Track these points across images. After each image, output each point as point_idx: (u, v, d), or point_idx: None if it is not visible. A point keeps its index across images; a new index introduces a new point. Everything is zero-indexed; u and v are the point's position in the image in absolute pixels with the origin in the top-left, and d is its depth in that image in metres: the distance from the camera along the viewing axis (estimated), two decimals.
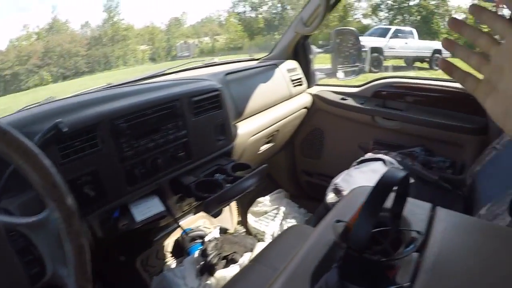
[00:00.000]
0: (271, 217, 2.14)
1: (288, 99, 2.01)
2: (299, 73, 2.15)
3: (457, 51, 0.44)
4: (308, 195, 2.45)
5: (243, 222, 2.24)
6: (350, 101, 2.14)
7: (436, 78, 2.16)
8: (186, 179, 1.32)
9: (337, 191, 1.52)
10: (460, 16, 16.61)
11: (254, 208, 2.19)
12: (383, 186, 0.61)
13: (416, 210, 0.87)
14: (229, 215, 2.17)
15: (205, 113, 1.37)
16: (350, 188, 1.26)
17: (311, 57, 2.27)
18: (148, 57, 18.03)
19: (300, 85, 2.13)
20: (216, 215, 1.30)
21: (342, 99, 2.16)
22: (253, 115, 1.72)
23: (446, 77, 0.49)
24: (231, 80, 1.63)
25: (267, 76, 1.89)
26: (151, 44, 18.63)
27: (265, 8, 21.05)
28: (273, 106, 1.89)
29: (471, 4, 0.42)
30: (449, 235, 0.77)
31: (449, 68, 0.46)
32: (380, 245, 0.69)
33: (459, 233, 0.79)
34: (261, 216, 2.17)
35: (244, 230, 2.20)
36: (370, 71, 11.76)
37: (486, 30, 0.43)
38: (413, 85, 2.07)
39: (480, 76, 0.43)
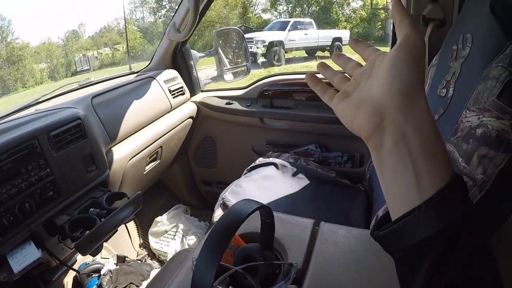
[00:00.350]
0: (171, 236, 2.15)
1: (169, 111, 2.03)
2: (179, 82, 2.17)
3: (325, 73, 0.58)
4: (210, 205, 2.48)
5: (145, 244, 2.22)
6: (236, 105, 2.21)
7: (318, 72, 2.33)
8: (60, 219, 1.28)
9: (225, 206, 1.53)
10: (357, 4, 17.95)
11: (153, 229, 2.19)
12: (227, 223, 0.62)
13: (296, 231, 0.95)
14: (128, 240, 2.15)
15: (68, 145, 1.33)
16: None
17: (192, 63, 2.31)
18: (47, 75, 16.94)
19: (182, 94, 2.15)
20: (94, 253, 1.28)
21: (228, 103, 2.22)
22: (129, 136, 1.71)
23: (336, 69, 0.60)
24: (99, 103, 1.59)
25: (143, 91, 1.88)
26: (49, 61, 17.50)
27: (163, 12, 20.95)
28: (153, 122, 1.88)
29: (350, 38, 0.55)
30: (330, 258, 0.83)
31: (313, 82, 0.57)
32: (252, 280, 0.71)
33: (341, 251, 0.85)
34: (161, 236, 2.17)
35: (146, 253, 2.18)
36: (272, 65, 12.35)
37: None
38: (299, 80, 2.18)
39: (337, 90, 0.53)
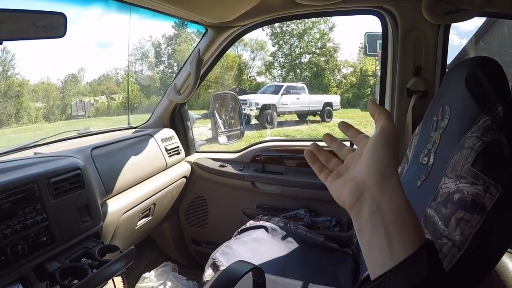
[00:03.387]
0: None
1: (164, 170, 2.10)
2: (175, 142, 2.27)
3: (321, 155, 0.68)
4: (199, 264, 2.47)
5: None
6: (229, 168, 2.30)
7: (311, 139, 2.47)
8: (51, 265, 1.29)
9: (215, 267, 1.56)
10: (348, 70, 18.89)
11: (140, 284, 2.17)
12: (224, 281, 0.68)
13: None
14: None
15: (66, 194, 1.38)
16: (229, 262, 1.32)
17: (189, 124, 2.43)
18: (42, 115, 17.02)
19: (178, 154, 2.24)
20: None
21: (221, 165, 2.32)
22: (125, 190, 1.76)
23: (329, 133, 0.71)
24: (98, 155, 1.66)
25: (141, 147, 1.96)
26: (46, 101, 17.66)
27: (161, 67, 21.71)
28: (148, 179, 1.95)
29: (340, 121, 0.68)
30: None
31: (313, 159, 0.67)
32: None
33: None
34: None
35: None
36: (265, 128, 12.67)
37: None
38: (290, 147, 2.32)
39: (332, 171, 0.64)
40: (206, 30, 2.08)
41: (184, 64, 2.19)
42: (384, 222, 0.50)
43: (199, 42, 2.14)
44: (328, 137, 0.70)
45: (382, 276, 0.47)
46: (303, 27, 20.05)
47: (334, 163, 0.66)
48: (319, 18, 18.71)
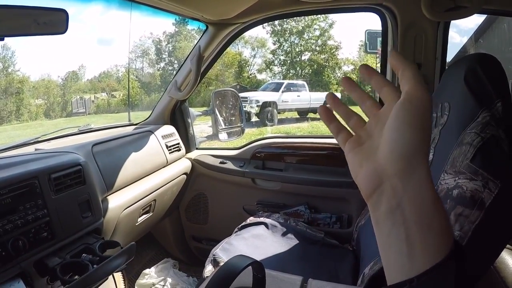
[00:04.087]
0: None
1: (165, 166, 2.10)
2: (176, 139, 2.27)
3: (339, 110, 0.54)
4: (200, 261, 2.48)
5: None
6: (229, 165, 2.31)
7: (311, 136, 2.47)
8: (51, 260, 1.29)
9: (216, 263, 1.57)
10: (348, 68, 18.86)
11: (141, 281, 2.18)
12: (223, 275, 0.68)
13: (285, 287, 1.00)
14: None
15: (67, 189, 1.38)
16: (230, 258, 1.35)
17: (189, 121, 2.44)
18: (42, 112, 17.05)
19: (178, 150, 2.25)
20: None
21: (221, 162, 2.33)
22: (125, 186, 1.77)
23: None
24: (99, 151, 1.66)
25: (141, 144, 1.96)
26: (46, 98, 17.68)
27: (162, 64, 21.76)
28: (148, 175, 1.95)
29: (362, 64, 0.51)
30: None
31: (328, 117, 0.54)
32: None
33: None
34: None
35: None
36: (265, 125, 12.67)
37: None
38: (291, 144, 2.31)
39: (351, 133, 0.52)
40: (207, 27, 2.08)
41: (184, 61, 2.19)
42: (405, 223, 0.41)
43: (199, 39, 2.14)
44: (347, 82, 0.54)
45: (400, 285, 0.39)
46: (302, 25, 20.03)
47: (355, 122, 0.53)
48: (319, 15, 18.71)
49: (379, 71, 2.06)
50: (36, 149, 1.67)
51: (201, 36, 2.13)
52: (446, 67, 1.83)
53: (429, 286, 0.38)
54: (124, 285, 2.19)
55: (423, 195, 0.41)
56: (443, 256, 0.39)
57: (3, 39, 1.21)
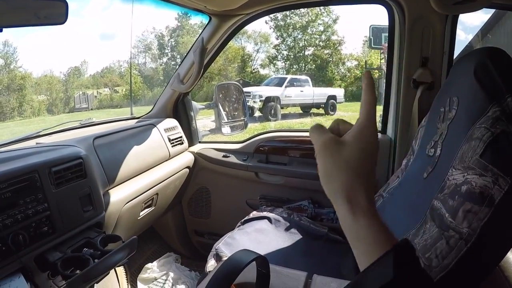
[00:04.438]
0: (160, 284, 2.14)
1: (167, 160, 2.09)
2: (178, 132, 2.25)
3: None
4: (202, 255, 2.47)
5: None
6: (232, 158, 2.29)
7: None
8: (52, 255, 1.29)
9: (218, 257, 1.55)
10: (352, 63, 18.81)
11: (143, 275, 2.18)
12: (228, 270, 0.67)
13: (290, 283, 0.98)
14: (116, 284, 2.11)
15: (68, 183, 1.37)
16: (232, 252, 1.33)
17: (192, 114, 2.42)
18: (45, 108, 17.13)
19: (181, 144, 2.23)
20: None
21: (224, 156, 2.31)
22: (127, 180, 1.75)
23: None
24: (100, 144, 1.65)
25: (143, 137, 1.95)
26: (49, 94, 17.76)
27: (164, 59, 21.75)
28: (151, 169, 1.94)
29: (366, 71, 0.57)
30: None
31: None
32: None
33: None
34: (150, 283, 2.15)
35: None
36: (268, 120, 12.65)
37: None
38: (294, 138, 2.29)
39: None
40: (210, 18, 2.06)
41: (187, 53, 2.17)
42: (351, 240, 0.52)
43: (202, 31, 2.11)
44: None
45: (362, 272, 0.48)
46: (306, 20, 19.95)
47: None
48: (322, 10, 18.63)
49: (384, 67, 2.03)
50: (37, 143, 1.66)
51: (204, 28, 2.11)
52: (454, 62, 1.80)
53: (374, 273, 0.46)
54: (126, 280, 2.19)
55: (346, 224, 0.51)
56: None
57: (1, 31, 1.19)
